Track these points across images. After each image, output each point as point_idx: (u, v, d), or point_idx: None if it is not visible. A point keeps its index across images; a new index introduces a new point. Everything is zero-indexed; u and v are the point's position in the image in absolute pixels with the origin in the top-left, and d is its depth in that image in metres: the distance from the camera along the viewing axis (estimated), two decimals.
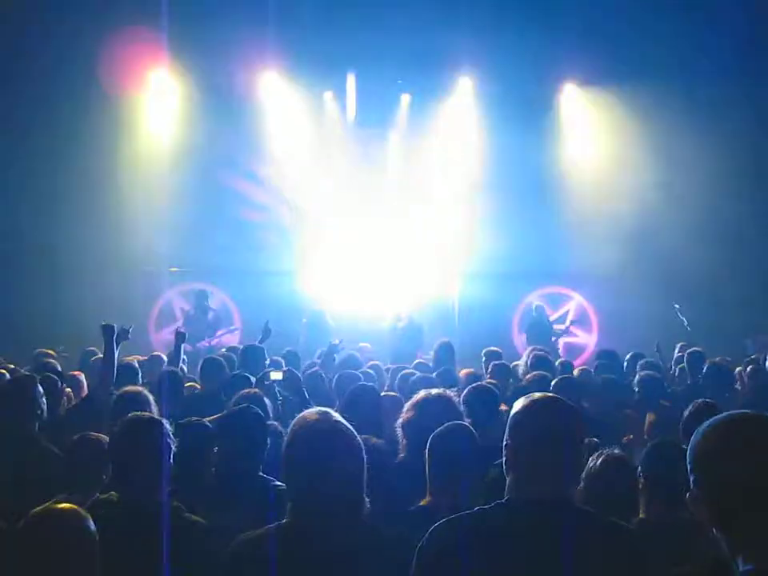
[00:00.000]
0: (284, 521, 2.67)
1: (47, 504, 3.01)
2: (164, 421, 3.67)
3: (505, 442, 2.61)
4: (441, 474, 3.71)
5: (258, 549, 2.62)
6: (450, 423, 3.93)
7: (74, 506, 2.93)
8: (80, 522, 2.84)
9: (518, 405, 2.62)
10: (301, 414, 2.83)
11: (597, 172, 15.21)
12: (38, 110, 13.71)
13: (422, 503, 3.72)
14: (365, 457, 2.72)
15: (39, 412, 5.10)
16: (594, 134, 15.85)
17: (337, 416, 2.76)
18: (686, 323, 11.87)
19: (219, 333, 13.33)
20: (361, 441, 2.75)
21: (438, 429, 3.84)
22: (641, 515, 3.64)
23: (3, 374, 7.07)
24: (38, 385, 5.21)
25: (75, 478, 4.17)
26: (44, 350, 8.71)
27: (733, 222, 14.62)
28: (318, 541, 2.59)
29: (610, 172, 15.20)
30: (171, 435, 3.63)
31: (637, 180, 14.91)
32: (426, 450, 3.76)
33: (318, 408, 2.84)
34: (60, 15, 13.14)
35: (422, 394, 4.63)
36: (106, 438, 4.28)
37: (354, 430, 2.74)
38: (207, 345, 12.73)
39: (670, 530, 3.49)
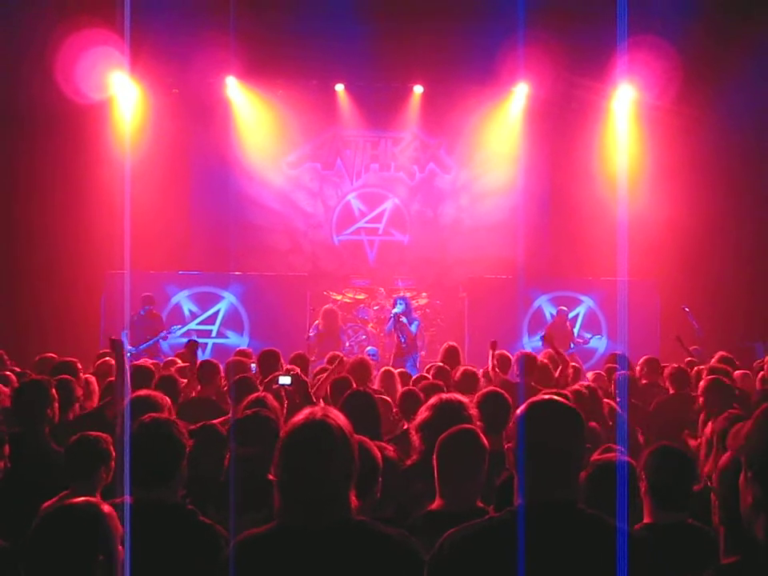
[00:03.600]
0: (277, 521, 2.66)
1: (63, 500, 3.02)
2: (178, 422, 3.69)
3: (508, 445, 2.63)
4: (449, 477, 3.73)
5: (256, 549, 2.63)
6: (456, 427, 3.95)
7: (92, 500, 2.95)
8: (99, 516, 2.84)
9: (521, 408, 2.64)
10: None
11: (625, 180, 15.17)
12: None
13: (432, 507, 3.73)
14: (354, 454, 2.69)
15: (51, 416, 5.14)
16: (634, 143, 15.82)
17: (331, 414, 2.72)
18: (696, 326, 11.87)
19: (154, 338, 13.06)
20: (351, 438, 2.70)
21: (445, 433, 3.86)
22: (645, 520, 3.67)
23: (9, 376, 7.09)
24: (52, 388, 5.24)
25: (73, 478, 4.22)
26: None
27: (753, 231, 14.70)
28: (306, 539, 2.58)
29: (639, 182, 15.18)
30: (186, 437, 3.65)
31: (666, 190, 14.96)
32: (435, 454, 3.77)
33: (315, 407, 2.82)
34: (18, 15, 13.22)
35: (437, 397, 4.67)
36: (106, 438, 4.32)
37: (345, 428, 2.70)
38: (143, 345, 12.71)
39: (673, 534, 3.52)
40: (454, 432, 3.88)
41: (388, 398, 6.18)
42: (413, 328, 12.42)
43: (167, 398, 5.32)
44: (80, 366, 7.16)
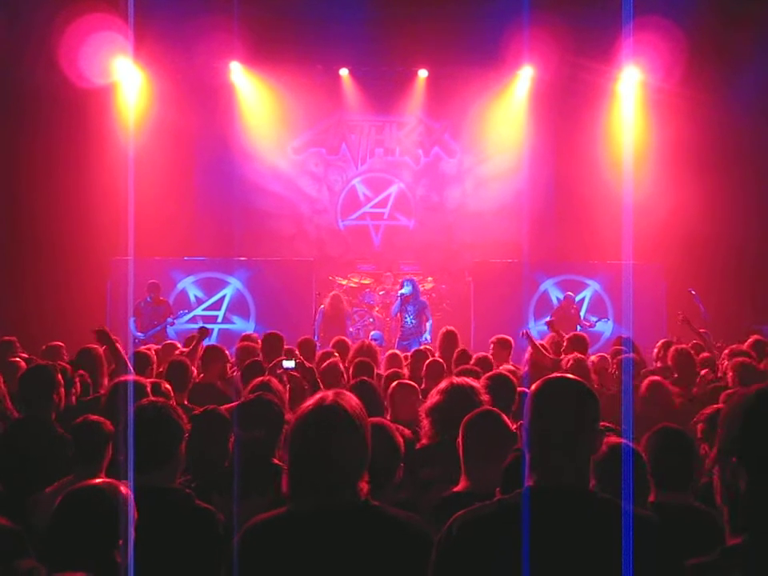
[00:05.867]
0: (287, 505, 2.63)
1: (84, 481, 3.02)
2: (177, 407, 3.68)
3: (520, 424, 2.59)
4: (476, 458, 3.71)
5: (267, 534, 2.60)
6: (482, 409, 3.93)
7: (112, 482, 2.95)
8: (120, 498, 2.85)
9: (534, 386, 2.59)
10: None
11: (631, 163, 15.08)
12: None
13: (456, 489, 3.70)
14: (367, 438, 2.65)
15: (57, 401, 5.14)
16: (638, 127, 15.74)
17: (343, 398, 2.67)
18: (702, 309, 11.83)
19: (161, 324, 13.07)
20: (362, 422, 2.65)
21: (471, 414, 3.83)
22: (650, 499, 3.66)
23: (18, 362, 7.09)
24: (58, 373, 5.24)
25: (77, 462, 4.20)
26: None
27: (759, 214, 14.68)
28: (316, 523, 2.56)
29: (644, 165, 15.12)
30: (185, 421, 3.64)
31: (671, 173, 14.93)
32: (461, 436, 3.75)
33: (327, 391, 2.75)
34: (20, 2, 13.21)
35: (448, 381, 4.64)
36: (107, 421, 4.30)
37: (358, 412, 2.65)
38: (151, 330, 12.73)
39: (672, 515, 3.48)
40: (479, 414, 3.86)
41: (414, 384, 6.18)
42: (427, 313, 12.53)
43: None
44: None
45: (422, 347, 9.03)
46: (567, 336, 8.84)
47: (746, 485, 2.00)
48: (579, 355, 7.44)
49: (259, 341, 8.26)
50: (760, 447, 1.99)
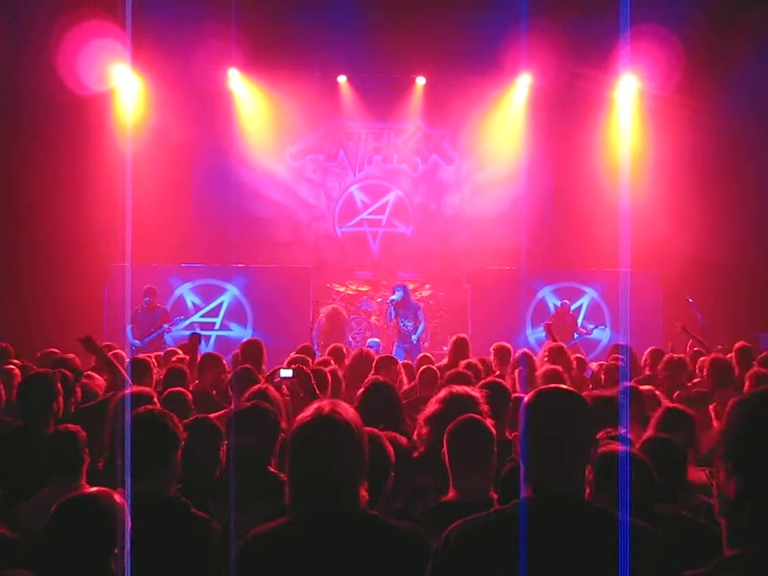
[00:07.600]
0: (288, 515, 2.65)
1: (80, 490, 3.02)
2: (173, 416, 3.68)
3: (515, 434, 2.59)
4: (460, 467, 3.70)
5: (268, 544, 2.61)
6: (464, 417, 3.92)
7: (107, 490, 2.95)
8: (115, 507, 2.85)
9: (529, 397, 2.59)
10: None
11: (628, 171, 15.06)
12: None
13: (446, 498, 3.70)
14: (364, 448, 2.67)
15: (56, 409, 5.12)
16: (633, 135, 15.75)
17: (339, 408, 2.69)
18: (700, 317, 11.84)
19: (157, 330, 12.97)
20: (359, 432, 2.67)
21: (453, 423, 3.83)
22: None
23: (12, 369, 7.06)
24: (57, 382, 5.22)
25: (54, 471, 4.18)
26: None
27: (756, 221, 14.70)
28: (317, 532, 2.57)
29: (641, 172, 15.13)
30: (181, 429, 3.64)
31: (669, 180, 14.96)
32: (445, 445, 3.75)
33: (322, 401, 2.78)
34: (20, 7, 13.26)
35: (448, 389, 4.63)
36: (81, 431, 4.28)
37: (353, 422, 2.67)
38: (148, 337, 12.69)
39: (662, 526, 3.46)
40: (461, 421, 3.85)
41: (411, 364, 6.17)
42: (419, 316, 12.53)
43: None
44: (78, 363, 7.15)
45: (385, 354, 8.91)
46: (547, 347, 8.72)
47: (739, 491, 1.98)
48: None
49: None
50: (759, 452, 1.96)
